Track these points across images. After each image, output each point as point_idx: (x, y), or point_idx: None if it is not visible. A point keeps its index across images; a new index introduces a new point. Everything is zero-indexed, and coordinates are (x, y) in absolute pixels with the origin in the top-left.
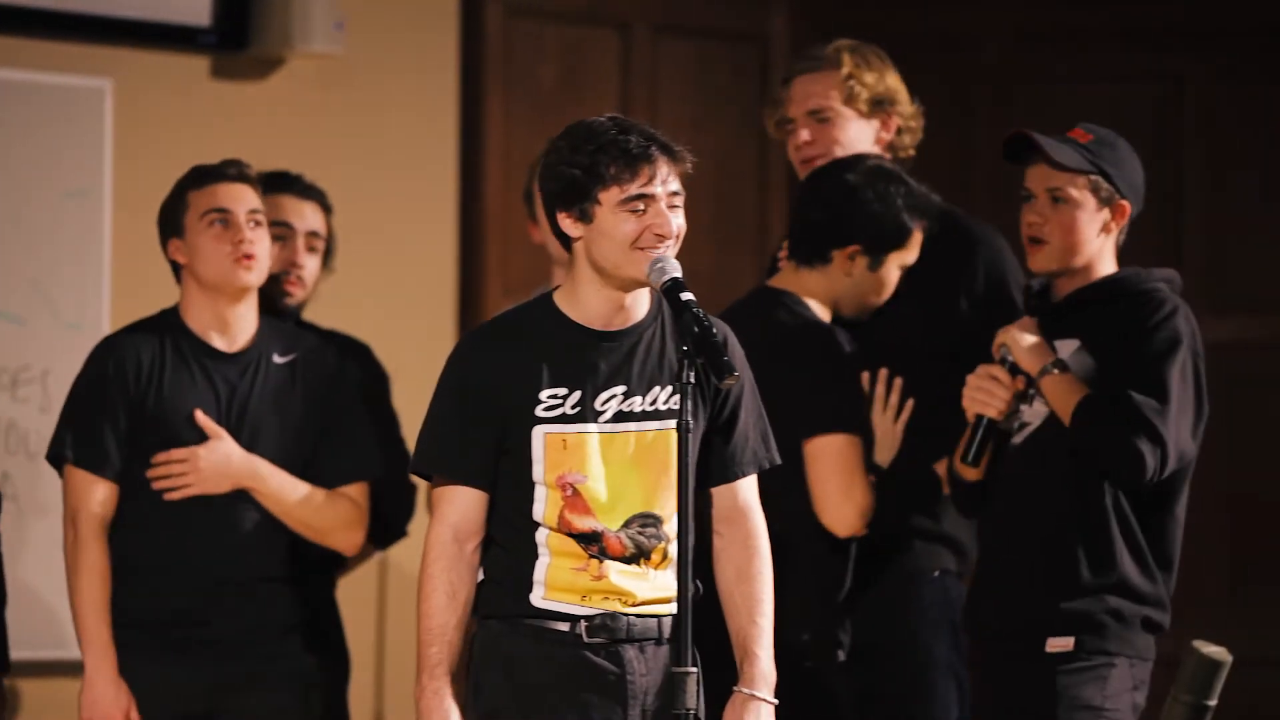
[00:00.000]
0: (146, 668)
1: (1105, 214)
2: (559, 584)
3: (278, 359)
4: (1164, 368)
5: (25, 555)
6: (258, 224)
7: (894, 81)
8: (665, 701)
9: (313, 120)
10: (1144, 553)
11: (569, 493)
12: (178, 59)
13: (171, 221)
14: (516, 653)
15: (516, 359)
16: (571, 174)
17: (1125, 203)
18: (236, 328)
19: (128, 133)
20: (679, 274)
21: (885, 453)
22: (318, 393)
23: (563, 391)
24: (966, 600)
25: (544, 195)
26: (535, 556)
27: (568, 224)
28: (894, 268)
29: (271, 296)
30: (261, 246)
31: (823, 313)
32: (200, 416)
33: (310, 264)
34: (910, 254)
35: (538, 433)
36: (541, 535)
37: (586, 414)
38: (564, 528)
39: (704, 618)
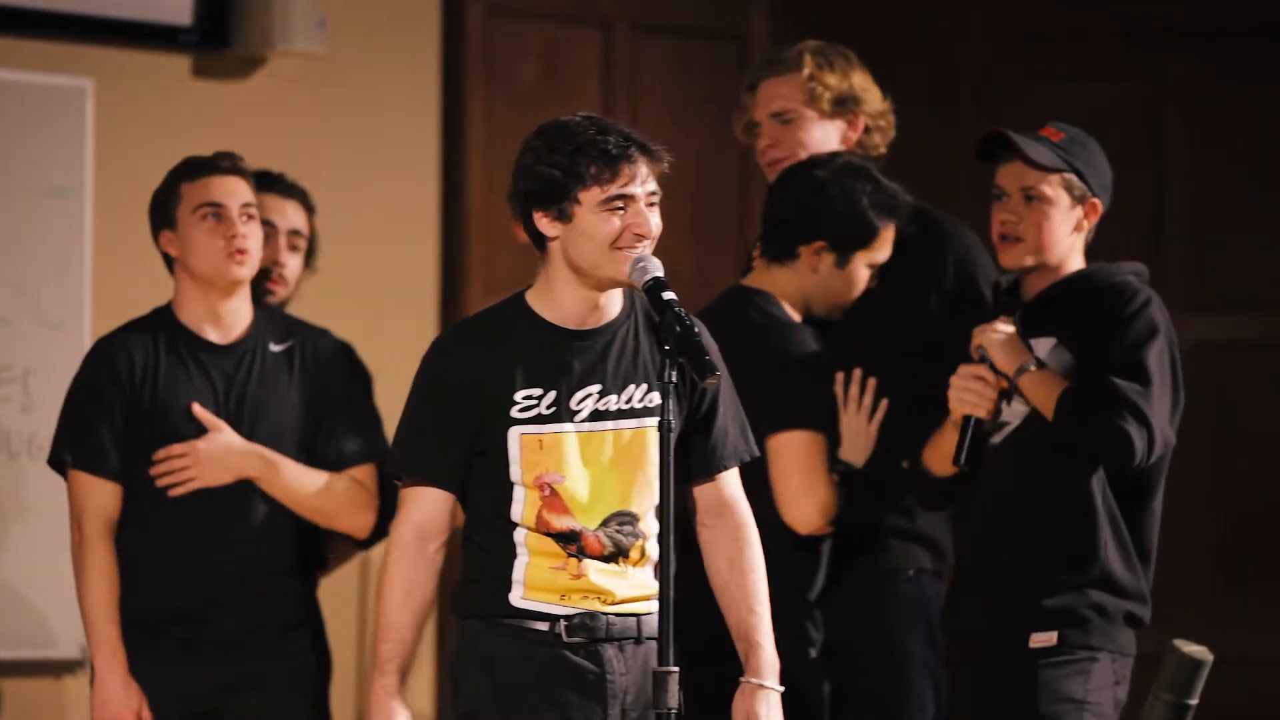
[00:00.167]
0: (151, 668)
1: (1078, 212)
2: (538, 583)
3: (274, 347)
4: (1143, 354)
5: (7, 555)
6: (250, 217)
7: (859, 81)
8: (644, 700)
9: (294, 119)
10: (1127, 546)
11: (547, 493)
12: (159, 58)
13: (163, 213)
14: (496, 652)
15: (490, 360)
16: (550, 174)
17: (1097, 201)
18: (230, 319)
19: (109, 132)
20: (661, 273)
21: (858, 452)
22: (317, 378)
23: (538, 392)
24: (946, 601)
25: (519, 195)
26: (514, 556)
27: (544, 224)
28: (862, 266)
29: (254, 294)
30: (254, 240)
31: (793, 311)
32: (198, 409)
33: (292, 263)
34: (879, 252)
35: (514, 434)
36: (519, 535)
37: (562, 414)
38: (542, 527)
39: (685, 615)
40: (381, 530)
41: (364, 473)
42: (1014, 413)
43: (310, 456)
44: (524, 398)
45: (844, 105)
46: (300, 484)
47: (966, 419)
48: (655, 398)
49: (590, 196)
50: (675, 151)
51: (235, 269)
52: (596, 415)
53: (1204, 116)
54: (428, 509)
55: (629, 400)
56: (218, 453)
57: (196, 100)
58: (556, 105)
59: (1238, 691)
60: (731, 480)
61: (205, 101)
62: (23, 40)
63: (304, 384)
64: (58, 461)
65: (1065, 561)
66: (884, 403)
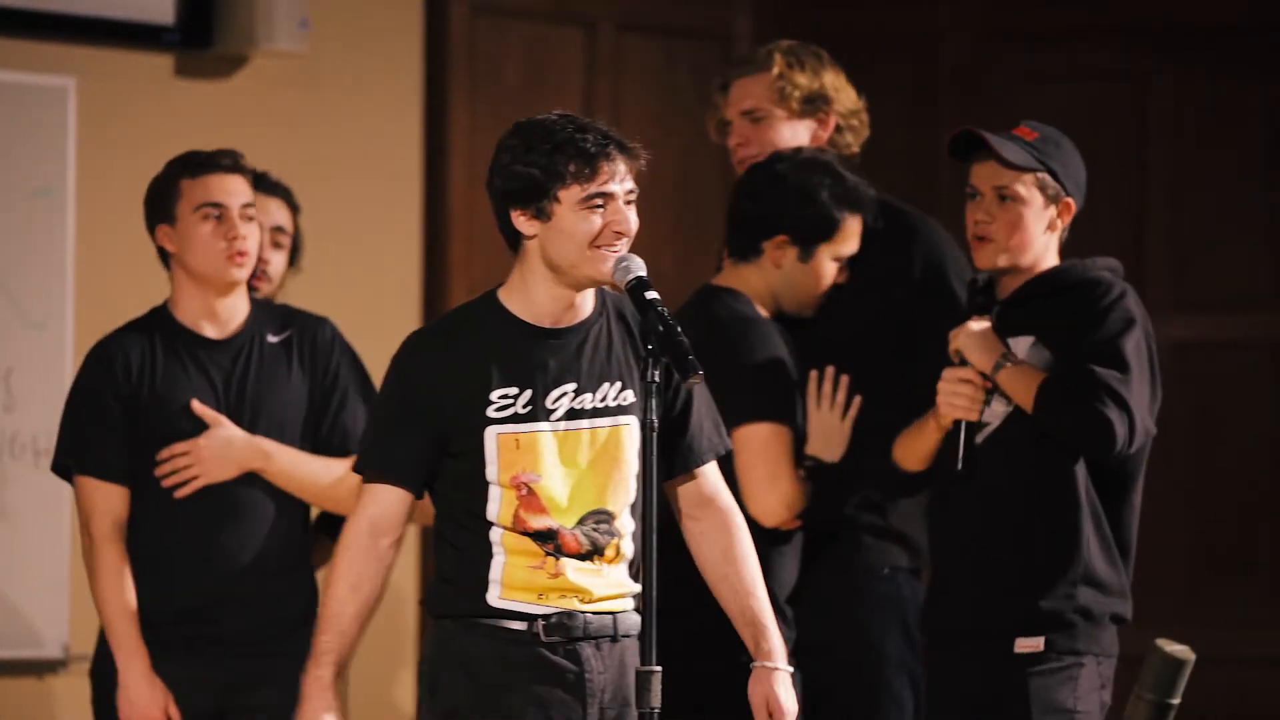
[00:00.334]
0: (164, 666)
1: (1051, 211)
2: (515, 583)
3: (272, 338)
4: (1120, 343)
5: None
6: (249, 218)
7: (831, 80)
8: (621, 698)
9: (277, 119)
10: (1109, 542)
11: (524, 492)
12: (142, 57)
13: (162, 207)
14: (474, 652)
15: (465, 360)
16: (528, 173)
17: (1070, 200)
18: (226, 315)
19: (92, 131)
20: (644, 273)
21: (832, 449)
22: (317, 365)
23: (513, 391)
24: (926, 600)
25: (496, 193)
26: (489, 556)
27: (522, 222)
28: (826, 259)
29: None
30: (253, 241)
31: (763, 309)
32: (197, 405)
33: (276, 260)
34: (844, 245)
35: (490, 433)
36: (495, 535)
37: (538, 413)
38: (519, 527)
39: (662, 613)
40: None
41: None
42: (994, 413)
43: (315, 445)
44: (500, 397)
45: (814, 104)
46: (306, 473)
47: (958, 423)
48: (629, 396)
49: (570, 195)
50: (658, 151)
51: (234, 271)
52: (572, 414)
53: (1186, 116)
54: (384, 505)
55: (603, 399)
56: (219, 448)
57: (179, 100)
58: (539, 104)
59: (1220, 691)
60: (712, 473)
61: (188, 101)
62: (5, 40)
63: (304, 373)
64: (62, 468)
65: (1048, 559)
66: (857, 399)
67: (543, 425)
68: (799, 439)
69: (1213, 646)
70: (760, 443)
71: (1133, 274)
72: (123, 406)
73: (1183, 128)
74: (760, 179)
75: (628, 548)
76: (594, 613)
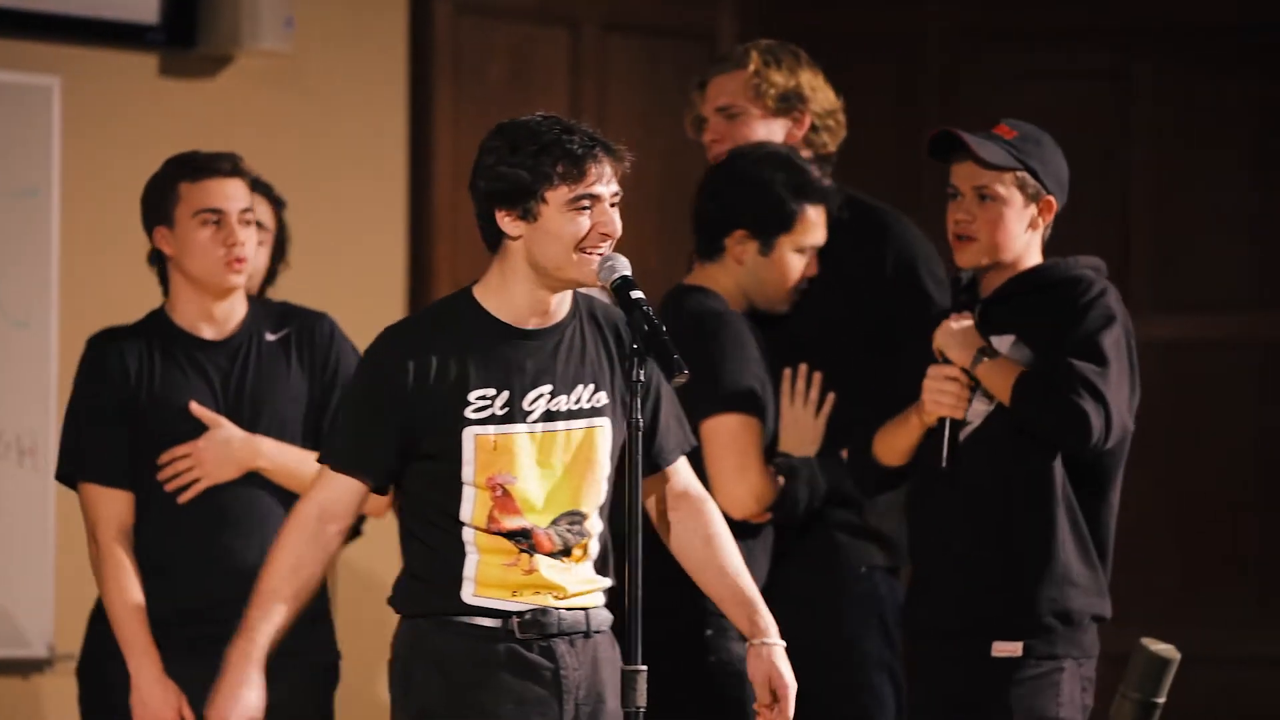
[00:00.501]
0: (170, 668)
1: (1032, 210)
2: (490, 580)
3: (269, 336)
4: (1099, 338)
5: None
6: (247, 223)
7: (807, 79)
8: (594, 694)
9: (262, 118)
10: (1086, 541)
11: (499, 493)
12: (126, 56)
13: (160, 209)
14: (448, 650)
15: (442, 359)
16: (515, 174)
17: (1051, 198)
18: (224, 316)
19: (76, 131)
20: (629, 272)
21: (805, 446)
22: (316, 361)
23: (491, 392)
24: (905, 600)
25: (480, 194)
26: (463, 554)
27: (507, 223)
28: (788, 251)
29: None
30: (251, 246)
31: (733, 306)
32: (196, 407)
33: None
34: (806, 236)
35: (468, 434)
36: (468, 535)
37: (515, 414)
38: (492, 527)
39: (649, 606)
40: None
41: None
42: (976, 412)
43: (317, 441)
44: (477, 398)
45: (788, 103)
46: (307, 471)
47: (942, 420)
48: (602, 397)
49: (557, 196)
50: (643, 151)
51: (233, 278)
52: (549, 416)
53: (1169, 116)
54: (338, 492)
55: (578, 401)
56: (219, 449)
57: (164, 99)
58: (524, 104)
59: (1205, 690)
60: (683, 468)
61: (172, 100)
62: None
63: (304, 370)
64: (67, 476)
65: (1024, 559)
66: (830, 397)
67: (520, 427)
68: (769, 432)
69: (1199, 646)
70: (728, 434)
71: (1116, 273)
72: (123, 412)
73: (1166, 127)
74: (718, 177)
75: (594, 548)
76: (567, 608)
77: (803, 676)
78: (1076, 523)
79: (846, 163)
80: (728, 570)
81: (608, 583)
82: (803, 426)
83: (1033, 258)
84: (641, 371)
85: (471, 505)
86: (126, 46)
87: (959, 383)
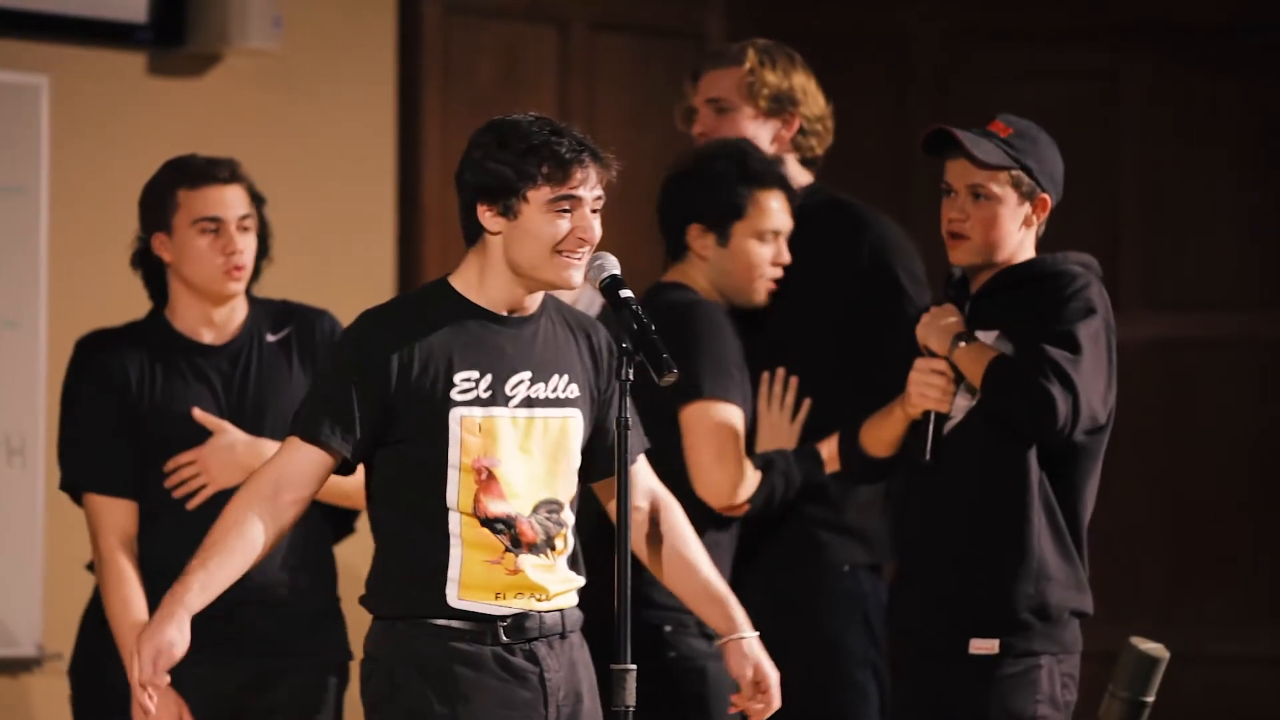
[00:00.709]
0: (181, 667)
1: (1026, 208)
2: (474, 581)
3: (270, 337)
4: (1075, 327)
5: None
6: (245, 229)
7: (800, 82)
8: (573, 694)
9: (250, 117)
10: (1065, 538)
11: (484, 476)
12: (115, 55)
13: (158, 216)
14: (434, 655)
15: (425, 341)
16: (501, 170)
17: (1046, 196)
18: (224, 320)
19: (65, 129)
20: (618, 271)
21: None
22: (318, 359)
23: (475, 374)
24: (889, 597)
25: (465, 187)
26: (447, 550)
27: (488, 218)
28: (746, 239)
29: None
30: (250, 254)
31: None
32: (198, 413)
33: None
34: (762, 221)
35: (454, 415)
36: (454, 525)
37: (498, 398)
38: (479, 512)
39: (598, 608)
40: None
41: None
42: (958, 407)
43: None
44: (462, 379)
45: (780, 104)
46: None
47: (927, 414)
48: (575, 389)
49: (539, 196)
50: (632, 150)
51: (232, 285)
52: (528, 402)
53: (1159, 115)
54: (299, 464)
55: (554, 390)
56: (224, 454)
57: (152, 98)
58: (513, 103)
59: (1194, 689)
60: (644, 467)
61: (161, 99)
62: None
63: (305, 370)
64: (71, 486)
65: (999, 554)
66: (806, 402)
67: (504, 411)
68: (748, 422)
69: (1189, 645)
70: (710, 422)
71: (1106, 273)
72: (125, 421)
73: (1156, 126)
74: (671, 176)
75: (570, 540)
76: (548, 610)
77: (786, 674)
78: (1054, 518)
79: (838, 162)
80: (697, 568)
81: (581, 581)
82: (779, 430)
83: (1025, 255)
84: (630, 370)
85: (457, 490)
86: (115, 45)
87: (945, 376)
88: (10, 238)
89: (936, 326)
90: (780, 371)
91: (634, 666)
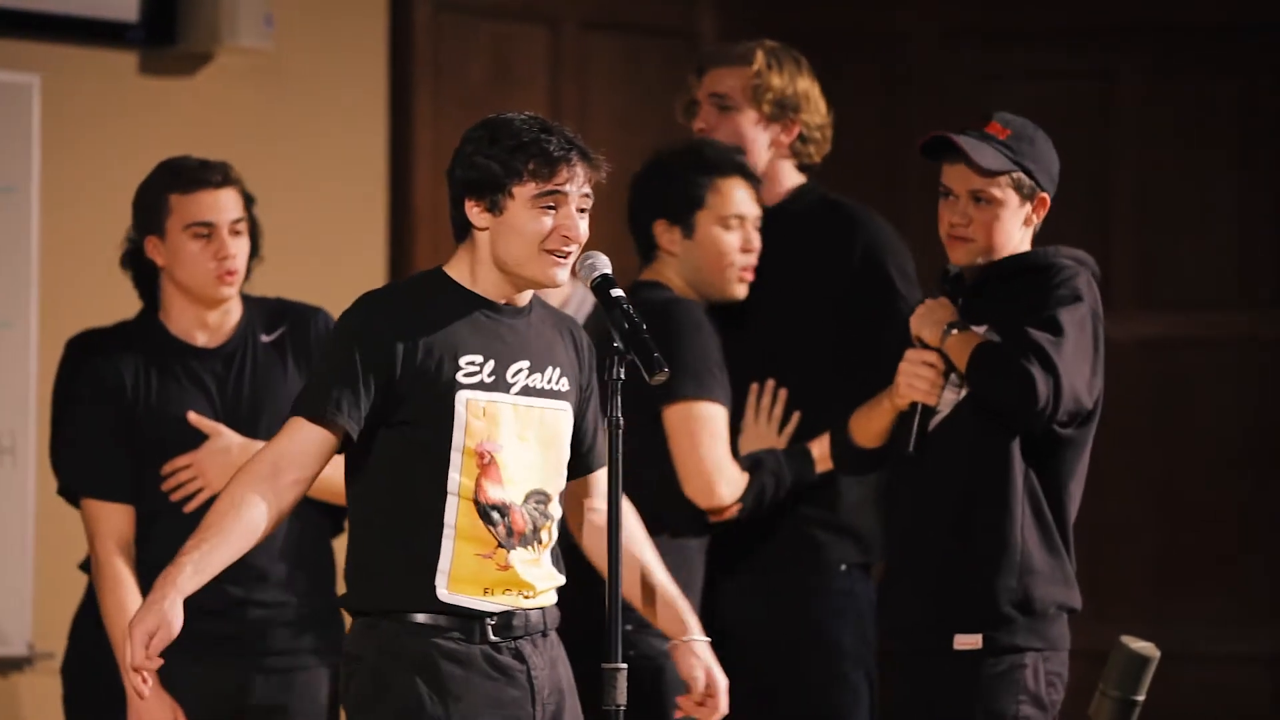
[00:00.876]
0: (182, 668)
1: (1027, 208)
2: (464, 574)
3: (264, 338)
4: (1058, 312)
5: None
6: (238, 233)
7: (805, 87)
8: (556, 692)
9: (241, 115)
10: (1051, 531)
11: (486, 460)
12: (106, 54)
13: (151, 218)
14: (424, 652)
15: (430, 324)
16: (488, 165)
17: (1045, 196)
18: (218, 322)
19: (56, 129)
20: (609, 270)
21: None
22: (312, 360)
23: (479, 359)
24: (879, 593)
25: (454, 181)
26: (439, 541)
27: (475, 213)
28: (711, 227)
29: None
30: (242, 258)
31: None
32: (194, 417)
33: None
34: (724, 207)
35: (460, 398)
36: (451, 509)
37: (500, 383)
38: (480, 496)
39: (571, 607)
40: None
41: None
42: (946, 401)
43: None
44: (467, 363)
45: (783, 109)
46: None
47: (914, 406)
48: (566, 383)
49: (524, 191)
50: (624, 148)
51: (224, 289)
52: (527, 390)
53: (1152, 115)
54: (302, 443)
55: (549, 381)
56: (220, 457)
57: (143, 97)
58: (504, 102)
59: (1185, 688)
60: (604, 469)
61: (152, 98)
62: None
63: (301, 369)
64: (69, 490)
65: (983, 548)
66: (795, 416)
67: (506, 397)
68: (734, 419)
69: (1179, 643)
70: (696, 421)
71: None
72: (122, 426)
73: (1148, 126)
74: (636, 179)
75: (555, 533)
76: (532, 608)
77: (781, 671)
78: (1040, 512)
79: (832, 162)
80: (650, 571)
81: (562, 580)
82: (764, 442)
83: (1021, 250)
84: (621, 370)
85: (459, 473)
86: (106, 44)
87: (934, 368)
88: (1, 237)
89: (930, 318)
90: (770, 384)
91: (624, 666)
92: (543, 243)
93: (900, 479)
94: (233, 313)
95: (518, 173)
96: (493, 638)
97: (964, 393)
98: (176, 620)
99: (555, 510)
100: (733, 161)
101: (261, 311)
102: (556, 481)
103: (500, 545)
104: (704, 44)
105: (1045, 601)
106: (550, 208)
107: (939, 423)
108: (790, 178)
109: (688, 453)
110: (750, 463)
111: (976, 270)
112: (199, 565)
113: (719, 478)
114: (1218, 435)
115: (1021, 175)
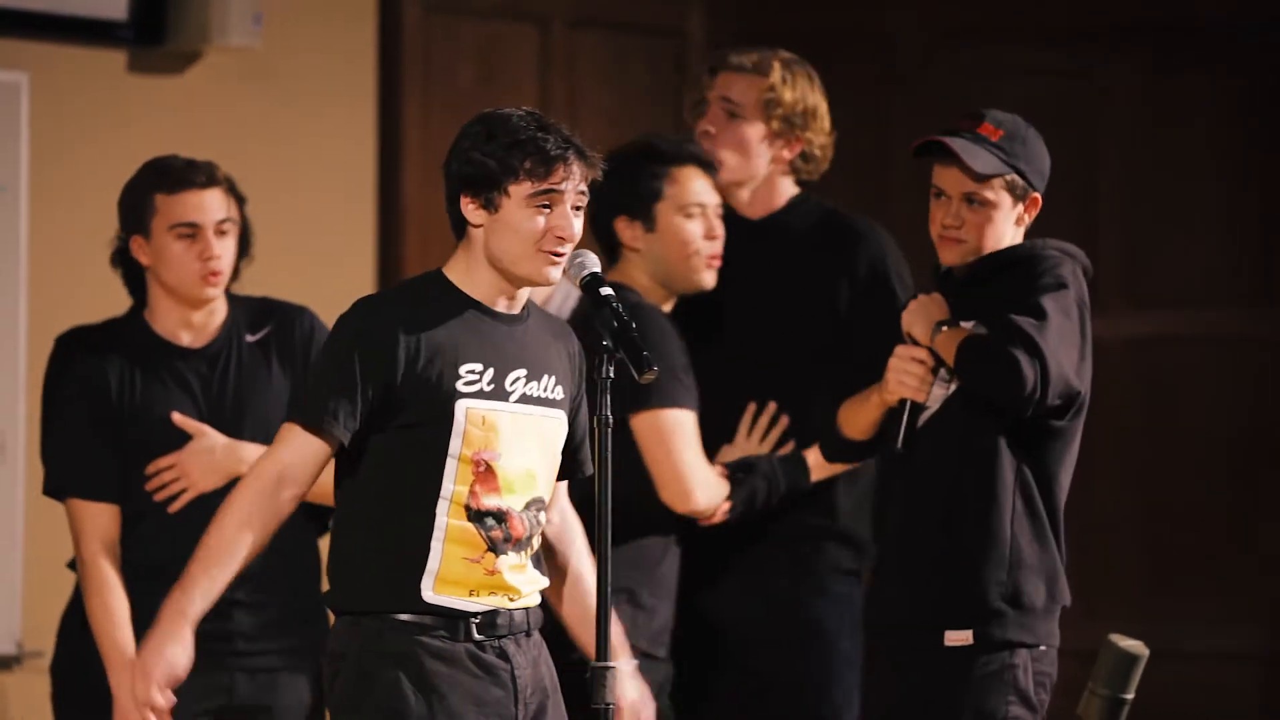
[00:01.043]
0: None
1: (1019, 208)
2: (451, 576)
3: (249, 338)
4: (1043, 298)
5: None
6: (223, 233)
7: (814, 104)
8: (540, 692)
9: (230, 114)
10: (1043, 525)
11: (481, 469)
12: (95, 53)
13: (136, 218)
14: (409, 651)
15: (429, 330)
16: (484, 162)
17: (1038, 195)
18: (203, 322)
19: (45, 128)
20: (598, 269)
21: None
22: (297, 360)
23: (479, 367)
24: (867, 595)
25: (450, 177)
26: (428, 543)
27: (470, 210)
28: (672, 217)
29: None
30: (227, 258)
31: (660, 301)
32: (178, 418)
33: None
34: (683, 195)
35: (460, 406)
36: (442, 514)
37: (500, 392)
38: (473, 503)
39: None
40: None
41: None
42: (935, 397)
43: None
44: (467, 371)
45: (790, 125)
46: None
47: (903, 402)
48: (560, 391)
49: (520, 190)
50: (613, 147)
51: (208, 290)
52: (525, 399)
53: (1140, 113)
54: (302, 454)
55: (545, 389)
56: (203, 458)
57: (132, 95)
58: (493, 101)
59: (1174, 686)
60: (565, 484)
61: (141, 97)
62: None
63: (285, 370)
64: (56, 490)
65: (972, 543)
66: (790, 445)
67: (504, 405)
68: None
69: (1168, 642)
70: (669, 429)
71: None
72: (106, 426)
73: (1136, 124)
74: (593, 183)
75: (539, 540)
76: (517, 609)
77: (780, 675)
78: (1031, 506)
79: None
80: (589, 594)
81: (546, 582)
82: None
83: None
84: (611, 368)
85: (453, 481)
86: (95, 43)
87: (923, 365)
88: None
89: (922, 314)
90: (770, 406)
91: (614, 664)
92: (538, 242)
93: (890, 473)
94: (218, 312)
95: (514, 171)
96: (477, 636)
97: (953, 388)
98: (188, 656)
99: (544, 517)
100: (687, 151)
101: (247, 311)
102: (550, 488)
103: (489, 550)
104: (693, 43)
105: (1034, 596)
106: (545, 206)
107: (928, 418)
108: (786, 190)
109: (661, 460)
110: (743, 465)
111: (966, 267)
112: (208, 590)
113: (694, 483)
114: (1207, 434)
115: (1015, 177)
